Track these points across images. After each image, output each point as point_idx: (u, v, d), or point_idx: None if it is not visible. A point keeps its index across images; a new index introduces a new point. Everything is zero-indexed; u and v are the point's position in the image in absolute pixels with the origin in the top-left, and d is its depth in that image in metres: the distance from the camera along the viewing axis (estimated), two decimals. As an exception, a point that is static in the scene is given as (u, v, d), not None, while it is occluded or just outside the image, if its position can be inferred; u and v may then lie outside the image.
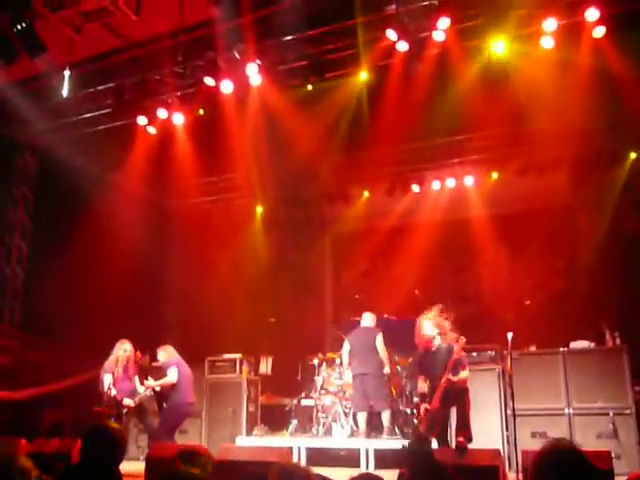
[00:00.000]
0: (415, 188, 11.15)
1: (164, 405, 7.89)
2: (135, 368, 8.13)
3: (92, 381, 8.71)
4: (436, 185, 11.10)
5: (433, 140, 10.25)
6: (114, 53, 8.40)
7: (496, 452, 5.64)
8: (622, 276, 9.41)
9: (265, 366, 10.43)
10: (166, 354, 8.12)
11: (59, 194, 9.68)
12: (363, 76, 8.67)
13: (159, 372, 8.22)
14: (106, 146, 10.04)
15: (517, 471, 6.39)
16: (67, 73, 7.73)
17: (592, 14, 7.22)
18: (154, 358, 9.10)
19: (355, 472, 7.35)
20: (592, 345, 8.12)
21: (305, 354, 9.90)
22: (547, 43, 7.57)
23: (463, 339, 6.63)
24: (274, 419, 9.65)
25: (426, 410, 6.49)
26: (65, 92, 7.88)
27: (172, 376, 7.81)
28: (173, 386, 7.82)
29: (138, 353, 8.10)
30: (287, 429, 9.02)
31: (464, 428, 6.29)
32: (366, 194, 11.65)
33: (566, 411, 7.69)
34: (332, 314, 11.92)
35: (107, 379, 7.76)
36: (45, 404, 9.26)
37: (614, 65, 7.75)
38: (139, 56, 8.50)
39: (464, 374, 6.52)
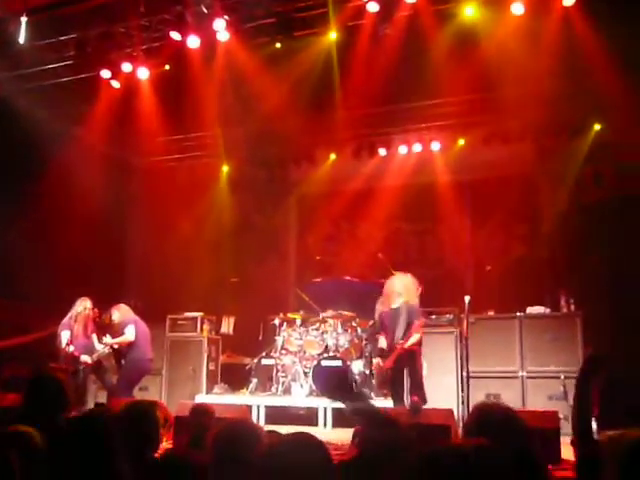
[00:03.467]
0: (382, 152, 11.12)
1: (122, 362, 7.88)
2: (94, 325, 8.10)
3: (51, 337, 8.65)
4: (403, 149, 11.08)
5: (401, 104, 10.19)
6: (75, 1, 8.11)
7: (449, 412, 5.78)
8: (580, 245, 9.59)
9: (227, 325, 10.46)
10: (120, 313, 8.09)
11: (18, 147, 9.40)
12: (332, 36, 8.53)
13: (118, 329, 8.17)
14: (68, 99, 9.74)
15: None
16: (24, 19, 7.43)
17: (563, -18, 7.23)
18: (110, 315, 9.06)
19: (313, 430, 7.51)
20: (547, 311, 8.32)
21: (267, 314, 9.95)
22: (517, 9, 7.57)
23: (423, 319, 6.79)
24: (234, 378, 9.72)
25: (378, 365, 6.64)
26: (22, 40, 7.60)
27: (129, 334, 7.81)
28: (131, 344, 7.81)
29: (96, 310, 8.06)
30: (247, 388, 9.10)
31: (418, 389, 6.44)
32: (332, 156, 11.57)
33: (519, 374, 7.91)
34: (295, 276, 11.95)
35: (65, 335, 7.75)
36: (2, 359, 9.17)
37: (582, 35, 7.77)
38: (103, 6, 8.23)
39: (416, 337, 6.63)
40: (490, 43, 8.08)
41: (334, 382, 7.39)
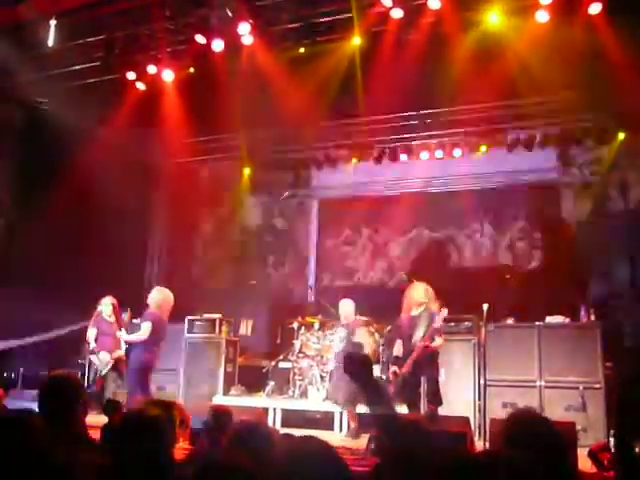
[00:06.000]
0: (403, 157, 11.11)
1: (128, 359, 7.72)
2: (121, 324, 8.17)
3: (74, 334, 8.77)
4: (424, 155, 11.05)
5: (424, 110, 10.20)
6: (103, 4, 8.22)
7: (465, 419, 5.76)
8: (602, 255, 9.51)
9: (245, 327, 10.49)
10: (154, 297, 7.64)
11: (45, 147, 9.54)
12: (356, 41, 8.56)
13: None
14: (94, 100, 9.89)
15: (484, 439, 6.55)
16: (53, 22, 7.57)
17: (589, -11, 7.20)
18: (135, 315, 9.13)
19: (329, 435, 7.51)
20: (567, 320, 8.24)
21: (285, 318, 9.97)
22: (542, 17, 7.54)
23: (445, 310, 6.71)
24: (251, 380, 9.73)
25: (395, 373, 6.61)
26: (51, 42, 7.74)
27: (144, 332, 7.45)
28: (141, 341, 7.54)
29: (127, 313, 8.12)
30: (264, 390, 9.13)
31: (434, 394, 6.41)
32: (354, 161, 11.60)
33: (537, 383, 7.83)
34: (315, 280, 11.96)
35: (90, 333, 7.87)
36: (25, 355, 9.31)
37: (608, 43, 7.72)
38: (130, 9, 8.34)
39: (439, 341, 6.61)
40: (514, 50, 8.06)
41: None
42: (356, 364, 2.66)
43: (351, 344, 7.53)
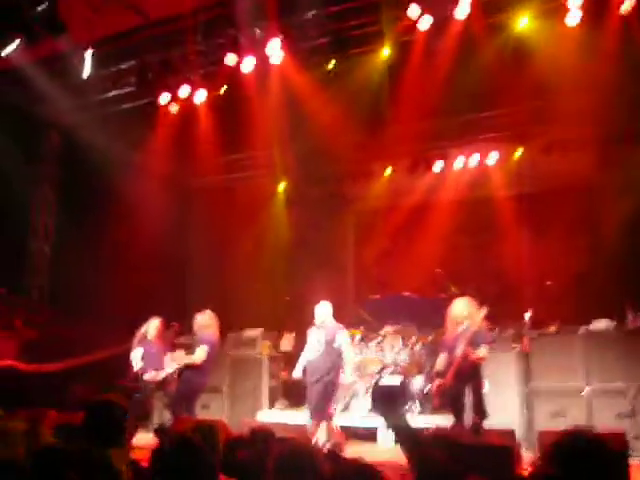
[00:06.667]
0: (438, 165, 11.05)
1: (180, 379, 7.79)
2: (166, 345, 8.23)
3: (120, 356, 8.89)
4: (459, 162, 10.99)
5: (456, 117, 10.13)
6: (136, 32, 8.42)
7: (510, 433, 5.67)
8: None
9: (287, 342, 10.49)
10: (204, 321, 7.77)
11: (84, 172, 9.78)
12: (385, 52, 8.60)
13: (185, 348, 8.19)
14: (129, 125, 10.10)
15: (533, 451, 6.42)
16: (89, 52, 7.78)
17: (619, -11, 7.09)
18: (179, 333, 9.22)
19: (373, 447, 7.44)
20: (613, 324, 8.04)
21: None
22: (572, 19, 7.44)
23: (484, 310, 6.56)
24: (295, 395, 9.73)
25: (438, 386, 6.49)
26: (87, 71, 7.95)
27: (200, 356, 7.50)
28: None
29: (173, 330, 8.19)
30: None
31: (479, 406, 6.29)
32: (388, 171, 11.58)
33: (585, 391, 7.65)
34: (353, 291, 11.94)
35: (135, 353, 7.94)
36: (73, 378, 9.48)
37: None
38: (161, 34, 8.53)
39: (483, 351, 6.45)
40: (546, 52, 7.99)
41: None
42: (387, 401, 2.71)
43: (332, 348, 7.27)
